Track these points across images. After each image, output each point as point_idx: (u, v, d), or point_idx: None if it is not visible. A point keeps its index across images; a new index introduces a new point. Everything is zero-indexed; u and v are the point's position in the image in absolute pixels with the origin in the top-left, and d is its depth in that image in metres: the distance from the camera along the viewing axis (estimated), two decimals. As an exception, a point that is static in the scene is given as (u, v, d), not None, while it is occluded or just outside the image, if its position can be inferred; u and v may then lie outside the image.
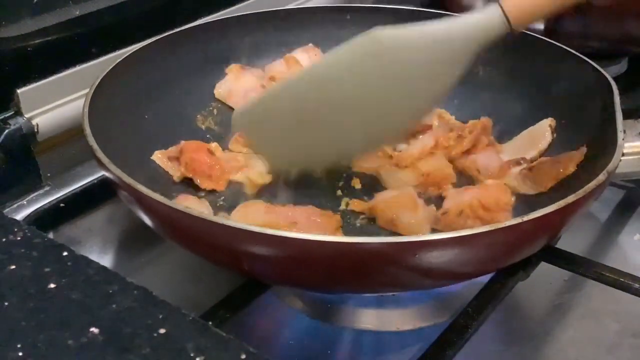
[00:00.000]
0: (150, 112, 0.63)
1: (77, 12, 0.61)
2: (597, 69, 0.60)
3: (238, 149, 0.64)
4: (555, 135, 0.62)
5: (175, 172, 0.60)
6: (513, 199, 0.56)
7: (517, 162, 0.61)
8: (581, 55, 0.62)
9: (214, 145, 0.63)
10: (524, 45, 0.66)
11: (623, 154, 0.50)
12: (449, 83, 0.54)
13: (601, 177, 0.46)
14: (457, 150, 0.62)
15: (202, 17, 0.72)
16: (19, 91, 0.58)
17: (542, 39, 0.66)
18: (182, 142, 0.61)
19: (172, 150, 0.61)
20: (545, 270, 0.52)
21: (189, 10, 0.71)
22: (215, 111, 0.68)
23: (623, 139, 0.51)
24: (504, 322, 0.54)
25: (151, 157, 0.60)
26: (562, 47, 0.64)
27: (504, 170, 0.60)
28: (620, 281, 0.50)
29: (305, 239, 0.40)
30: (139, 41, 0.65)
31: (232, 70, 0.70)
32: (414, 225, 0.54)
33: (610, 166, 0.48)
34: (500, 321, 0.54)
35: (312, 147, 0.57)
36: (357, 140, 0.57)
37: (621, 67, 0.82)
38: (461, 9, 0.79)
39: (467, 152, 0.63)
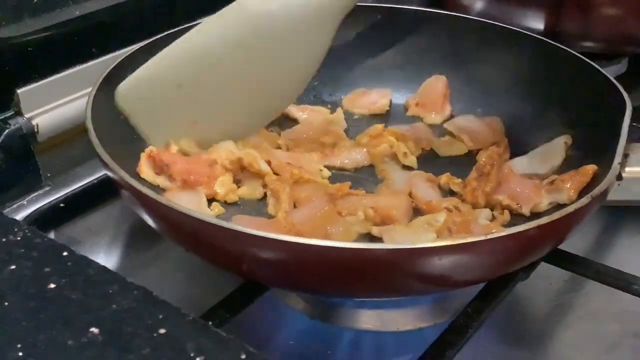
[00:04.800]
0: None
1: (77, 12, 0.61)
2: (616, 86, 0.57)
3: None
4: (570, 152, 0.61)
5: (170, 186, 0.57)
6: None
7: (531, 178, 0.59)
8: (602, 71, 0.60)
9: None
10: (546, 57, 0.66)
11: (621, 178, 0.49)
12: (318, 51, 0.59)
13: (584, 200, 0.45)
14: (488, 186, 0.58)
15: (204, 16, 0.72)
16: (19, 91, 0.58)
17: (566, 49, 0.64)
18: (150, 147, 0.58)
19: (147, 158, 0.57)
20: (545, 270, 0.52)
21: (189, 10, 0.71)
22: None
23: (619, 163, 0.49)
24: (504, 322, 0.54)
25: (142, 176, 0.56)
26: (583, 59, 0.62)
27: (540, 194, 0.57)
28: (620, 281, 0.50)
29: (308, 244, 0.40)
30: (139, 41, 0.65)
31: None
32: None
33: (596, 191, 0.46)
34: (500, 321, 0.54)
35: (199, 118, 0.60)
36: (244, 110, 0.61)
37: (621, 67, 0.82)
38: (461, 9, 0.80)
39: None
